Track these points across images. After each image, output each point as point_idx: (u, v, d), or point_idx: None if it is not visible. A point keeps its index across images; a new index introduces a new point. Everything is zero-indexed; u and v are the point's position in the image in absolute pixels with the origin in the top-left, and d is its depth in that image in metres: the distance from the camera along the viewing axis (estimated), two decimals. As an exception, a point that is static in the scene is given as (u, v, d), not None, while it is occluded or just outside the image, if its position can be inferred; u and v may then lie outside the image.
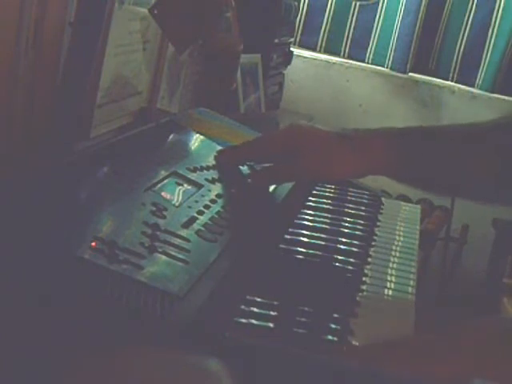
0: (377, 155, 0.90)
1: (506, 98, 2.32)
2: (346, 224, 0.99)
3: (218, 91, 1.36)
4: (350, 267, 0.85)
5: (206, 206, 0.81)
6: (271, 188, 0.97)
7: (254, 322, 0.67)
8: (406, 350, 0.60)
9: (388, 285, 0.82)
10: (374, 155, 0.90)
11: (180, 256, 0.67)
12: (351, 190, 1.14)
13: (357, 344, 0.67)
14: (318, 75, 2.40)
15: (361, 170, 0.93)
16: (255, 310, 0.69)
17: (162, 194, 0.79)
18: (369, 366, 0.57)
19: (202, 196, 0.83)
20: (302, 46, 2.42)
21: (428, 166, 0.91)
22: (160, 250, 0.66)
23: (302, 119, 1.94)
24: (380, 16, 2.38)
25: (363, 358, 0.61)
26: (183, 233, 0.72)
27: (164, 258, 0.65)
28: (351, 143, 0.91)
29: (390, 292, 0.81)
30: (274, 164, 0.95)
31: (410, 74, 2.37)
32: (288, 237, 0.90)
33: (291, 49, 2.08)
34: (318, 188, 1.11)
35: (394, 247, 0.94)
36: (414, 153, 0.91)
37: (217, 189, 0.87)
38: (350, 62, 2.41)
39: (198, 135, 1.02)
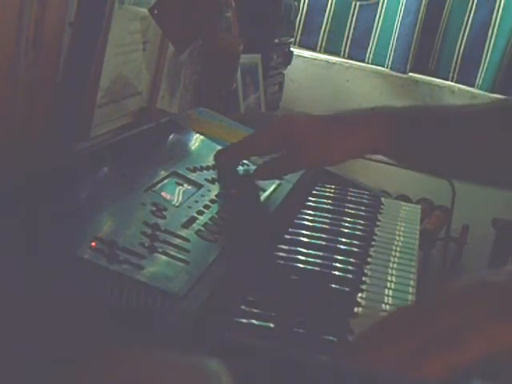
0: (375, 132, 0.89)
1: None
2: (346, 224, 0.99)
3: (218, 91, 1.36)
4: (350, 267, 0.85)
5: (206, 206, 0.81)
6: (271, 187, 0.96)
7: (254, 322, 0.67)
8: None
9: (388, 285, 0.82)
10: (372, 132, 0.89)
11: (180, 256, 0.67)
12: (351, 190, 1.13)
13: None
14: (318, 75, 2.40)
15: (359, 149, 0.91)
16: (255, 310, 0.69)
17: (162, 193, 0.79)
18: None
19: (202, 196, 0.83)
20: (302, 46, 2.42)
21: (426, 144, 0.90)
22: (160, 250, 0.66)
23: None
24: (380, 16, 2.38)
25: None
26: (183, 233, 0.72)
27: (164, 258, 0.65)
28: (346, 122, 0.91)
29: (390, 292, 0.81)
30: (273, 157, 0.95)
31: (410, 73, 2.37)
32: (288, 237, 0.90)
33: (291, 49, 2.08)
34: (317, 188, 1.11)
35: (393, 247, 0.94)
36: (413, 129, 0.90)
37: (217, 189, 0.87)
38: (350, 61, 2.41)
39: (198, 135, 1.02)
